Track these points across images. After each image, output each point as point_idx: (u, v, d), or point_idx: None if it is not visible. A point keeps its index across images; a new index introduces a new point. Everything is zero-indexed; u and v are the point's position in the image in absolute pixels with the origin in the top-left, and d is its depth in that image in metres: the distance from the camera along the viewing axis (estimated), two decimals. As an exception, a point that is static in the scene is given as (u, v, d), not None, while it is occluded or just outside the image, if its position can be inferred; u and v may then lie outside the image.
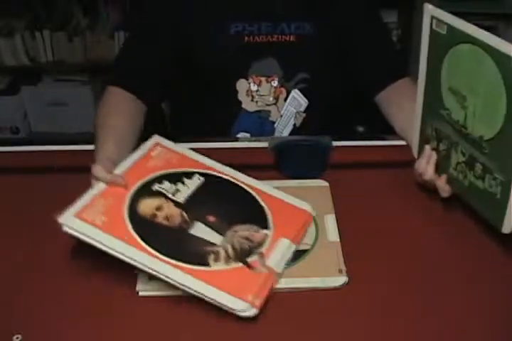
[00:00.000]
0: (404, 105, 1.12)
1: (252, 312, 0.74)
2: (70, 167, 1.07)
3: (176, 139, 1.01)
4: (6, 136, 2.67)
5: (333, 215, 0.93)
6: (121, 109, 1.13)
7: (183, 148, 0.99)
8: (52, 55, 2.56)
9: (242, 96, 1.23)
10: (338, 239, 0.88)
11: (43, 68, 2.65)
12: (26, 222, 0.94)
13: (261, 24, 1.18)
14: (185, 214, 0.85)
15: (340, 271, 0.82)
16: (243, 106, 1.24)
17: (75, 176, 1.05)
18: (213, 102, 1.26)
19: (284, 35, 1.19)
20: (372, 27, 1.25)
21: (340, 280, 0.81)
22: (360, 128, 1.50)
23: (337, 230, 0.90)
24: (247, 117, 1.26)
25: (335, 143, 1.07)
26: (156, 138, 0.99)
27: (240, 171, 1.03)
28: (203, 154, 0.98)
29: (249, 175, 1.00)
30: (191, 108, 1.32)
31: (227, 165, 0.99)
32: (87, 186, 1.02)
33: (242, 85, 1.22)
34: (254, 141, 1.17)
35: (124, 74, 1.20)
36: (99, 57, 2.58)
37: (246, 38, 1.18)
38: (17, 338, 0.73)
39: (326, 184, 1.01)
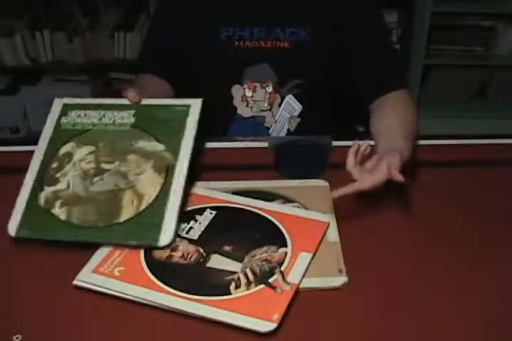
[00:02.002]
0: (384, 118, 1.12)
1: (272, 327, 0.73)
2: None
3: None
4: (6, 136, 2.67)
5: (333, 215, 0.93)
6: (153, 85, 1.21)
7: (191, 187, 0.99)
8: (52, 55, 2.56)
9: (237, 101, 1.23)
10: (338, 239, 0.88)
11: (43, 68, 2.65)
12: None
13: (253, 29, 1.18)
14: (201, 249, 0.86)
15: (340, 271, 0.82)
16: (238, 111, 1.25)
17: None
18: (209, 106, 1.26)
19: (279, 41, 1.18)
20: (372, 33, 1.22)
21: (340, 280, 0.81)
22: (360, 129, 1.50)
23: (337, 230, 0.90)
24: (242, 122, 1.26)
25: (335, 143, 1.07)
26: None
27: (239, 171, 1.03)
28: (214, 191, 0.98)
29: (248, 175, 1.00)
30: None
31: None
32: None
33: (237, 91, 1.22)
34: (254, 140, 1.17)
35: (152, 61, 1.27)
36: (99, 57, 2.59)
37: (236, 43, 1.18)
38: (17, 338, 0.73)
39: (326, 184, 1.01)
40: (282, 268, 0.82)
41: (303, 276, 0.81)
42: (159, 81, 1.24)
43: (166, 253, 0.85)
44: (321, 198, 0.97)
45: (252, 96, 1.22)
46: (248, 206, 0.95)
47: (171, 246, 0.85)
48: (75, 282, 0.80)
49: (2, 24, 2.54)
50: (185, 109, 0.99)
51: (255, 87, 1.22)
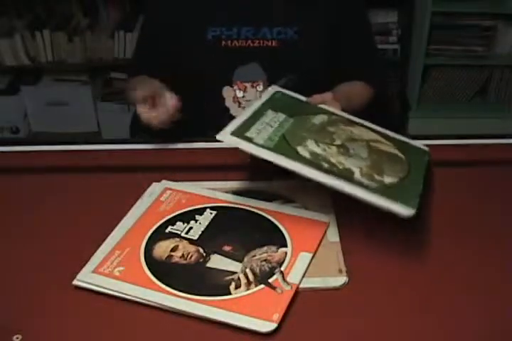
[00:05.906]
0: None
1: (272, 327, 0.74)
2: (70, 167, 1.07)
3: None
4: (6, 136, 2.67)
5: (333, 215, 0.93)
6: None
7: (191, 187, 0.99)
8: (52, 55, 2.56)
9: (229, 102, 1.23)
10: (338, 239, 0.88)
11: (43, 68, 2.65)
12: (26, 221, 0.94)
13: (240, 28, 1.18)
14: (201, 249, 0.85)
15: (340, 271, 0.82)
16: (231, 112, 1.24)
17: (75, 176, 1.05)
18: (202, 108, 1.26)
19: (266, 40, 1.19)
20: (356, 34, 1.25)
21: (340, 280, 0.81)
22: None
23: (337, 230, 0.90)
24: None
25: (335, 143, 1.06)
26: (164, 184, 0.99)
27: (239, 171, 1.03)
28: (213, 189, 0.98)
29: (248, 175, 1.00)
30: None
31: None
32: (87, 186, 1.03)
33: (228, 92, 1.22)
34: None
35: (143, 63, 1.27)
36: (99, 57, 2.59)
37: (224, 43, 1.18)
38: (17, 338, 0.73)
39: (326, 184, 1.01)
40: (282, 268, 0.82)
41: (303, 276, 0.81)
42: (150, 80, 1.21)
43: (166, 253, 0.85)
44: (321, 198, 0.97)
45: (243, 97, 1.22)
46: (248, 206, 0.95)
47: (172, 247, 0.86)
48: (75, 282, 0.80)
49: (2, 24, 2.54)
50: (421, 152, 1.04)
51: (246, 87, 1.21)
